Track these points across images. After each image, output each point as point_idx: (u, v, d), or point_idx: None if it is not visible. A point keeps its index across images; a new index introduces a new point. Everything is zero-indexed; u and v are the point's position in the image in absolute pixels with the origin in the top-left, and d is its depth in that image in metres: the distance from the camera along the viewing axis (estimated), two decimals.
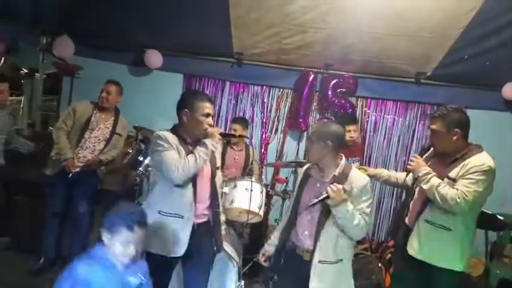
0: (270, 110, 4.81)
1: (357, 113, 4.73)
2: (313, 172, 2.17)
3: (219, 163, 2.36)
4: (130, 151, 3.61)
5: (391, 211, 4.75)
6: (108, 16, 3.94)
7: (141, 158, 3.47)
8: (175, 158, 2.09)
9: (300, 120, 4.64)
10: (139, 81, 4.61)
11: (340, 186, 1.93)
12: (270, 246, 2.22)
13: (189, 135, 2.27)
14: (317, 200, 1.98)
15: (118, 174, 3.68)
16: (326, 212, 2.04)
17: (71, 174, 3.18)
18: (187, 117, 2.26)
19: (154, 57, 4.44)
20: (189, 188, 2.17)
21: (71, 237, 3.27)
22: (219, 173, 2.37)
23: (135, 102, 4.39)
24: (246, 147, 4.02)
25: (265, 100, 4.78)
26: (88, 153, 3.33)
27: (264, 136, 4.81)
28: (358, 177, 2.10)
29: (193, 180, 2.18)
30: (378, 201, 4.79)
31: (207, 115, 2.23)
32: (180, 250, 2.12)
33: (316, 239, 2.03)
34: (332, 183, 1.99)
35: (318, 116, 4.75)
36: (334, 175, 2.07)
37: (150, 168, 3.39)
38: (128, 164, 3.52)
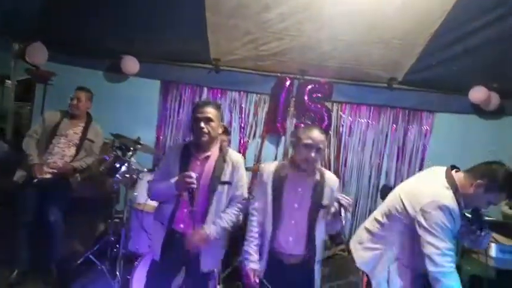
0: (248, 115, 4.77)
1: (333, 117, 4.73)
2: (292, 175, 2.12)
3: (227, 177, 2.23)
4: (107, 158, 3.48)
5: (368, 212, 4.76)
6: (83, 22, 3.87)
7: (118, 165, 3.40)
8: (152, 180, 2.20)
9: (278, 125, 4.63)
10: (115, 88, 4.52)
11: (349, 198, 2.01)
12: (254, 263, 2.10)
13: (193, 145, 2.24)
14: (343, 217, 1.95)
15: (94, 181, 3.61)
16: (315, 215, 2.08)
17: (36, 179, 3.12)
18: (190, 127, 2.31)
19: (131, 64, 4.38)
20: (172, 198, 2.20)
21: (44, 247, 3.17)
22: (226, 188, 2.23)
23: (112, 109, 4.30)
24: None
25: (243, 105, 4.75)
26: (58, 159, 3.27)
27: (242, 141, 4.77)
28: (332, 177, 2.21)
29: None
30: (355, 202, 4.79)
31: (198, 120, 2.16)
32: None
33: (309, 242, 2.06)
34: (317, 188, 2.08)
35: (294, 120, 4.70)
36: (318, 180, 2.11)
37: (127, 175, 3.35)
38: (105, 171, 3.39)
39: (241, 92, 4.74)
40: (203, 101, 2.46)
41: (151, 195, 2.24)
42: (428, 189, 1.95)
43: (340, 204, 1.97)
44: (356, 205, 4.81)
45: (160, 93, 4.66)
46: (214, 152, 2.26)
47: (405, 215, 1.96)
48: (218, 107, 2.25)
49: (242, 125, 4.77)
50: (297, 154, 2.07)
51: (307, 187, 2.13)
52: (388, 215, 2.05)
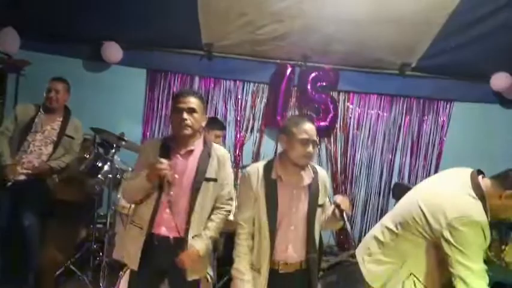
0: (245, 108, 4.76)
1: (339, 108, 4.74)
2: (285, 176, 2.10)
3: (212, 174, 2.24)
4: (88, 156, 3.47)
5: (379, 212, 4.75)
6: (59, 5, 3.80)
7: (99, 164, 3.40)
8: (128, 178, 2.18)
9: (278, 117, 4.61)
10: (96, 77, 4.48)
11: (345, 197, 2.05)
12: (248, 283, 2.02)
13: (173, 140, 2.23)
14: (347, 223, 1.98)
15: (73, 182, 3.58)
16: (313, 217, 2.10)
17: (10, 183, 3.10)
18: (170, 118, 2.28)
19: (113, 51, 4.34)
20: (152, 198, 2.18)
21: (19, 256, 3.11)
22: (211, 186, 2.23)
23: (93, 101, 4.26)
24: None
25: (239, 96, 4.72)
26: (34, 158, 3.24)
27: (238, 136, 4.75)
28: (323, 172, 2.22)
29: (159, 190, 2.16)
30: (364, 201, 4.79)
31: (180, 110, 2.14)
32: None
33: (310, 246, 2.08)
34: (311, 187, 2.09)
35: (297, 112, 4.71)
36: (312, 177, 2.12)
37: (110, 175, 3.36)
38: (85, 170, 3.40)
39: (237, 81, 4.71)
40: (185, 89, 2.55)
41: (125, 196, 2.26)
42: (454, 199, 1.88)
43: (340, 210, 2.01)
44: (366, 205, 4.81)
45: (147, 84, 4.62)
46: (197, 147, 2.25)
47: (426, 227, 1.90)
48: (202, 98, 2.25)
49: (238, 118, 4.74)
50: (292, 151, 2.05)
51: (302, 187, 2.13)
52: (404, 225, 1.99)
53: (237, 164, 4.64)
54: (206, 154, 2.25)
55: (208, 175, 2.23)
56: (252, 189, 2.11)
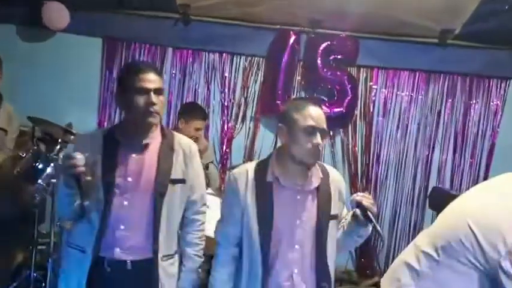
0: (234, 89, 4.75)
1: (359, 89, 4.76)
2: (284, 178, 2.13)
3: (179, 173, 2.29)
4: (24, 155, 3.40)
5: (412, 228, 4.77)
6: None
7: (40, 165, 3.32)
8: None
9: (278, 102, 4.58)
10: (35, 50, 4.45)
11: (367, 194, 2.08)
12: None
13: (123, 132, 2.25)
14: (376, 224, 1.98)
15: (6, 189, 3.48)
16: (325, 232, 2.11)
17: None
18: (120, 101, 2.28)
19: (57, 13, 4.26)
20: (98, 209, 2.17)
21: None
22: (179, 189, 2.28)
23: (31, 82, 4.25)
24: (198, 143, 3.89)
25: (226, 74, 4.70)
26: None
27: (226, 127, 4.74)
28: (337, 174, 2.26)
29: (107, 198, 2.17)
30: (392, 213, 4.81)
31: (143, 91, 2.14)
32: None
33: (322, 271, 2.09)
34: (320, 191, 2.11)
35: (304, 95, 4.72)
36: (321, 179, 2.15)
37: (54, 180, 3.29)
38: (22, 174, 3.33)
39: (223, 54, 4.70)
40: (144, 63, 2.61)
41: (58, 210, 2.31)
42: None
43: (363, 208, 1.99)
44: (395, 219, 4.81)
45: (103, 58, 4.59)
46: (155, 138, 2.27)
47: (478, 255, 1.87)
48: (160, 73, 2.32)
49: (225, 103, 4.73)
50: (295, 145, 2.08)
51: (308, 192, 2.14)
52: (447, 249, 1.95)
53: (223, 164, 4.65)
54: (167, 148, 2.27)
55: (174, 175, 2.25)
56: (238, 197, 2.12)
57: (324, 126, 2.09)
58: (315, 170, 2.16)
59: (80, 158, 2.01)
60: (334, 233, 2.16)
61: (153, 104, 2.13)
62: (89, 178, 2.05)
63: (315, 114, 2.07)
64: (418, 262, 1.99)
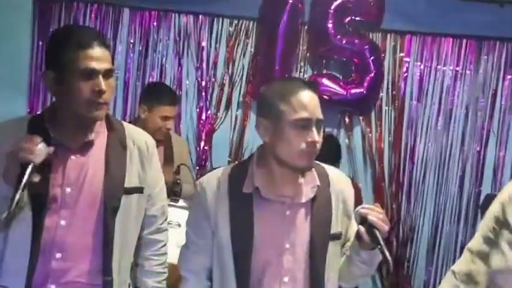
0: (215, 65, 4.64)
1: (386, 62, 4.64)
2: (268, 188, 2.11)
3: (135, 179, 2.26)
4: None
5: (457, 247, 4.68)
6: None
7: None
8: None
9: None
10: None
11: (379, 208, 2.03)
12: None
13: (57, 125, 2.17)
14: (384, 249, 1.96)
15: None
16: (323, 258, 2.08)
17: None
18: (52, 86, 2.16)
19: None
20: (26, 232, 2.09)
21: None
22: (135, 201, 2.26)
23: None
24: (166, 137, 3.90)
25: (204, 44, 4.59)
26: None
27: (204, 116, 4.65)
28: (341, 177, 2.23)
29: (37, 216, 2.08)
30: (432, 230, 4.73)
31: (88, 72, 2.07)
32: None
33: None
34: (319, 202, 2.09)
35: (310, 71, 4.61)
36: (318, 186, 2.12)
37: None
38: None
39: (199, 16, 4.60)
40: (83, 29, 2.45)
41: None
42: None
43: (370, 225, 1.99)
44: (435, 237, 4.70)
45: (34, 24, 4.49)
46: (100, 133, 2.22)
47: None
48: (109, 46, 2.22)
49: (203, 83, 4.64)
50: (281, 144, 2.05)
51: (300, 206, 2.12)
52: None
53: (201, 166, 4.56)
54: (117, 145, 2.23)
55: (128, 183, 2.20)
56: (207, 214, 2.11)
57: (320, 114, 2.01)
58: (309, 174, 2.11)
59: (42, 146, 1.93)
60: (336, 258, 2.15)
61: (102, 92, 2.05)
62: (36, 179, 1.94)
63: (307, 100, 2.00)
64: None
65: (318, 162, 2.14)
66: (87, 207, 2.14)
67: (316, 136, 1.98)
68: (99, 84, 2.03)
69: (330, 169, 2.21)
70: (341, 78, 4.59)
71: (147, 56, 4.62)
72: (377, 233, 1.94)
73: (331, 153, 3.88)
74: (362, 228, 1.97)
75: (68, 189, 2.10)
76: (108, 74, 2.08)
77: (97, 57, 2.05)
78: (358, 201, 2.24)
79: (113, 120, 2.26)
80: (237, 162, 2.27)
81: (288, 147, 2.00)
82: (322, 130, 2.01)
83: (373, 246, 1.97)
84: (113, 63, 2.17)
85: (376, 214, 1.97)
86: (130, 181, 2.21)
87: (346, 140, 4.72)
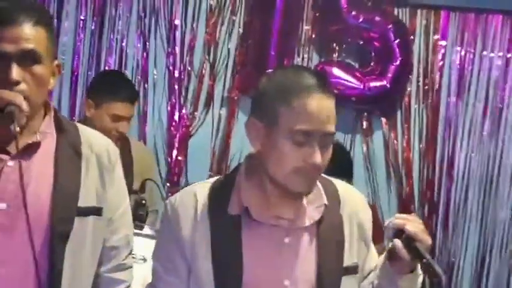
0: (191, 49, 4.59)
1: (416, 47, 4.58)
2: (259, 209, 2.05)
3: (91, 196, 2.21)
4: None
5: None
6: None
7: None
8: None
9: (271, 71, 4.46)
10: None
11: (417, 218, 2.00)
12: None
13: None
14: (430, 261, 1.91)
15: None
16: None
17: None
18: None
19: None
20: None
21: None
22: (91, 225, 2.22)
23: None
24: (122, 144, 3.82)
25: (177, 22, 4.57)
26: None
27: (177, 116, 4.60)
28: (354, 194, 2.20)
29: None
30: (478, 263, 4.71)
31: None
32: None
33: None
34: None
35: (317, 58, 4.59)
36: (326, 206, 2.05)
37: None
38: None
39: None
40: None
41: None
42: None
43: (408, 238, 1.95)
44: (481, 271, 4.70)
45: None
46: (48, 134, 2.18)
47: None
48: (48, 20, 2.19)
49: (175, 72, 4.60)
50: (275, 159, 2.00)
51: (303, 231, 2.06)
52: None
53: (172, 182, 4.54)
54: (70, 150, 2.21)
55: (83, 201, 2.13)
56: (179, 244, 2.07)
57: (331, 127, 1.91)
58: (314, 190, 2.04)
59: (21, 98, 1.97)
60: None
61: (14, 82, 1.98)
62: (18, 129, 1.98)
63: (315, 106, 1.88)
64: None
65: (325, 176, 2.06)
66: (28, 231, 2.03)
67: (319, 157, 1.88)
68: (7, 73, 1.96)
69: (340, 184, 2.14)
70: (357, 67, 4.55)
71: (102, 37, 4.60)
72: (419, 246, 1.90)
73: (340, 168, 3.91)
74: (398, 243, 1.92)
75: (3, 206, 2.01)
76: (27, 57, 1.99)
77: (13, 37, 1.99)
78: (377, 228, 2.23)
79: (63, 120, 2.20)
80: (216, 178, 2.13)
81: (279, 163, 1.93)
82: (330, 147, 1.93)
83: (413, 267, 1.95)
84: (52, 45, 2.10)
85: (415, 224, 1.94)
86: (86, 199, 2.13)
87: (364, 149, 4.68)
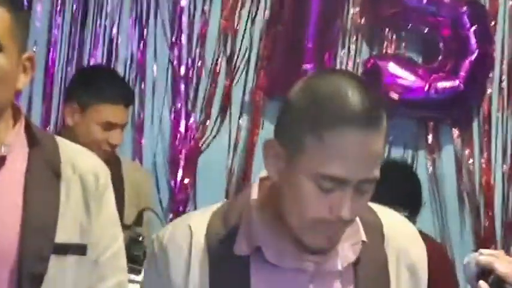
0: (202, 40, 4.42)
1: (499, 36, 4.44)
2: (275, 251, 1.88)
3: (71, 232, 2.18)
4: None
5: None
6: None
7: None
8: None
9: (307, 67, 4.41)
10: None
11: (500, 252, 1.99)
12: None
13: None
14: None
15: None
16: None
17: None
18: None
19: None
20: None
21: None
22: (72, 268, 2.16)
23: None
24: (111, 162, 3.49)
25: (183, 3, 4.43)
26: None
27: (183, 126, 4.46)
28: (403, 224, 2.10)
29: None
30: None
31: None
32: None
33: None
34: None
35: (367, 50, 4.44)
36: (364, 243, 1.91)
37: None
38: None
39: None
40: None
41: None
42: None
43: (496, 279, 1.86)
44: None
45: None
46: (17, 148, 2.11)
47: None
48: (13, 4, 2.08)
49: (181, 69, 4.46)
50: (290, 195, 1.82)
51: (333, 276, 1.90)
52: None
53: (177, 211, 4.36)
54: (46, 170, 2.17)
55: (62, 236, 2.08)
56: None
57: (373, 172, 1.73)
58: (353, 232, 1.92)
59: None
60: None
61: None
62: None
63: (355, 144, 1.71)
64: None
65: (376, 207, 1.97)
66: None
67: (347, 211, 1.69)
68: None
69: (385, 214, 1.97)
70: (420, 62, 4.39)
71: (86, 22, 4.45)
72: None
73: (403, 194, 3.79)
74: (485, 286, 1.83)
75: None
76: None
77: None
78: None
79: (37, 131, 2.09)
80: (220, 204, 1.89)
81: (297, 207, 1.73)
82: (369, 193, 1.72)
83: None
84: (20, 32, 1.93)
85: (505, 264, 1.87)
86: (66, 233, 2.04)
87: (429, 169, 4.50)
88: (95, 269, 2.12)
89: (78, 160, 2.12)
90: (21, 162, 2.03)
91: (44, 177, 2.08)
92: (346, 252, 1.84)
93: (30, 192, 2.05)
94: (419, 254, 1.95)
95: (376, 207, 1.94)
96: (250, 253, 1.79)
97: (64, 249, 2.05)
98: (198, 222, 1.86)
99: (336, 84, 1.94)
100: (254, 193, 1.81)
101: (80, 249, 2.06)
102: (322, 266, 1.81)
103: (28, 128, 2.03)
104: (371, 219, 1.90)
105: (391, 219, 1.96)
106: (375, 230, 1.92)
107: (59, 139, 2.13)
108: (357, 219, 1.87)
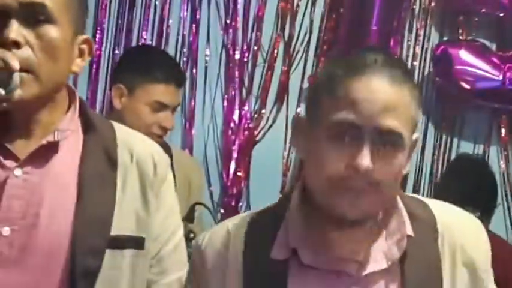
0: (258, 23, 4.39)
1: None
2: (313, 254, 1.95)
3: (128, 224, 2.14)
4: None
5: None
6: None
7: None
8: None
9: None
10: None
11: None
12: None
13: None
14: None
15: None
16: None
17: None
18: None
19: None
20: None
21: None
22: (128, 262, 2.13)
23: None
24: (164, 150, 3.63)
25: None
26: None
27: (237, 115, 4.45)
28: (468, 224, 2.10)
29: None
30: None
31: None
32: None
33: None
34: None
35: (436, 36, 4.37)
36: (410, 238, 1.96)
37: None
38: None
39: None
40: None
41: None
42: None
43: None
44: None
45: None
46: (70, 133, 2.07)
47: None
48: None
49: (236, 54, 4.44)
50: (310, 163, 1.97)
51: (377, 276, 1.93)
52: None
53: (229, 206, 4.34)
54: (102, 157, 2.14)
55: (116, 229, 2.05)
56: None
57: (386, 121, 1.79)
58: (392, 216, 1.94)
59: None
60: None
61: (13, 43, 1.91)
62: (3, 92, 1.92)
63: (364, 88, 1.80)
64: None
65: (411, 195, 2.04)
66: (40, 265, 1.93)
67: (367, 159, 1.71)
68: (4, 31, 1.85)
69: (441, 209, 1.98)
70: (494, 49, 4.30)
71: (135, 3, 4.41)
72: None
73: (477, 190, 3.69)
74: None
75: (6, 231, 1.89)
76: (33, 13, 1.84)
77: None
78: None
79: (93, 115, 2.06)
80: (259, 209, 2.00)
81: (315, 170, 1.81)
82: (395, 155, 1.72)
83: None
84: (77, 10, 1.90)
85: None
86: (122, 226, 2.02)
87: (502, 166, 4.41)
88: (154, 263, 2.11)
89: (136, 146, 2.10)
90: (76, 149, 1.99)
91: (99, 165, 2.05)
92: (391, 250, 1.86)
93: (84, 181, 2.02)
94: (480, 252, 1.92)
95: (431, 201, 1.97)
96: (288, 257, 1.84)
97: (120, 243, 2.05)
98: (236, 226, 1.95)
99: (363, 50, 2.09)
100: (295, 195, 1.88)
101: (137, 243, 2.06)
102: (364, 266, 1.83)
103: (83, 112, 1.99)
104: (422, 213, 1.91)
105: (448, 214, 1.96)
106: (427, 225, 1.92)
107: (116, 124, 2.12)
108: (404, 213, 1.89)
